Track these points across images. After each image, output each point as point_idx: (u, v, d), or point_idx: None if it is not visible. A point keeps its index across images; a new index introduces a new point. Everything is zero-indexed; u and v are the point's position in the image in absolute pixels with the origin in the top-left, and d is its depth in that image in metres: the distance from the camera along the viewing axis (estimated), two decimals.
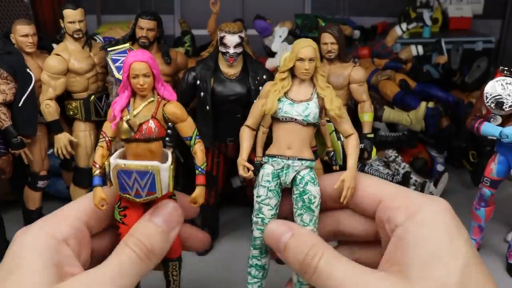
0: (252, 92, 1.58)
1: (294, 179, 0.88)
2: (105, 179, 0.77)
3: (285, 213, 0.90)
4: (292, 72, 0.90)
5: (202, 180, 0.82)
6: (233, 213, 2.03)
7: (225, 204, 2.00)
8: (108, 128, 0.78)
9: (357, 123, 1.75)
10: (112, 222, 0.79)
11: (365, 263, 0.68)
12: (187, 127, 0.82)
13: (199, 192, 0.80)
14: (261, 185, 0.89)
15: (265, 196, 0.88)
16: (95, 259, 0.77)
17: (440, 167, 2.21)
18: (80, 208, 0.75)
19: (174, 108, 0.79)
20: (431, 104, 2.16)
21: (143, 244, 0.69)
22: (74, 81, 1.71)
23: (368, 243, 0.82)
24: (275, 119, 0.90)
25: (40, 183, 1.76)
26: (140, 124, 0.77)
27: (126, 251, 0.68)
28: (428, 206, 0.67)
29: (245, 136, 0.94)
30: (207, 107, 1.58)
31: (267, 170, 0.89)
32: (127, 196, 0.76)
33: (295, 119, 0.88)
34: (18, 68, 1.63)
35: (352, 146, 0.89)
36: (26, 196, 1.78)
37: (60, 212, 0.73)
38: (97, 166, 0.77)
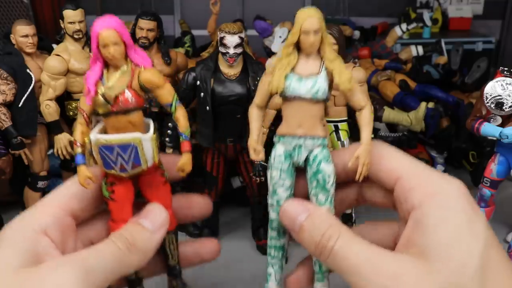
0: (252, 93, 1.58)
1: (307, 158, 0.85)
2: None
3: (300, 192, 0.88)
4: (298, 45, 0.84)
5: (188, 146, 0.78)
6: (233, 213, 2.03)
7: (225, 204, 2.00)
8: (84, 103, 0.75)
9: (357, 123, 1.75)
10: (101, 205, 0.77)
11: (381, 246, 0.67)
12: (166, 93, 0.77)
13: (186, 159, 0.77)
14: (274, 166, 0.85)
15: (278, 178, 0.85)
16: None
17: (440, 168, 2.21)
18: (63, 196, 0.73)
19: (150, 75, 0.75)
20: (431, 105, 2.16)
21: (124, 237, 0.68)
22: (74, 82, 1.71)
23: (383, 224, 0.80)
24: (283, 97, 0.86)
25: (40, 184, 1.76)
26: (116, 96, 0.74)
27: (105, 241, 0.67)
28: (446, 188, 0.66)
29: (254, 116, 0.87)
30: (207, 107, 1.58)
31: (279, 151, 0.85)
32: (113, 171, 0.74)
33: (304, 97, 0.84)
34: (18, 69, 1.63)
35: (365, 118, 0.83)
36: (26, 197, 1.78)
37: (42, 202, 0.72)
38: (78, 144, 0.74)
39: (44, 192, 1.81)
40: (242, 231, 1.89)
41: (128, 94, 0.74)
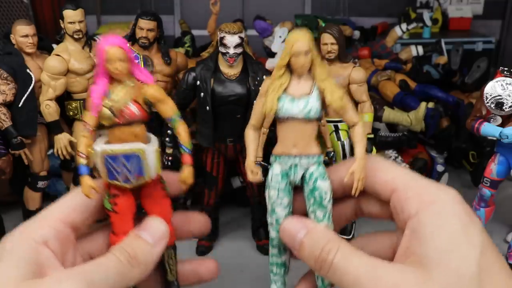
0: (252, 93, 1.58)
1: (303, 176, 0.88)
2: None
3: (299, 210, 0.90)
4: (289, 67, 0.89)
5: (189, 160, 0.81)
6: (233, 213, 2.03)
7: (225, 204, 2.00)
8: (89, 117, 0.78)
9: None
10: (100, 218, 0.79)
11: (380, 257, 0.68)
12: (168, 108, 0.82)
13: (188, 172, 0.81)
14: (271, 186, 0.88)
15: (276, 197, 0.88)
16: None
17: (440, 168, 2.21)
18: (62, 208, 0.74)
19: (154, 91, 0.80)
20: (431, 105, 2.16)
21: (125, 251, 0.69)
22: (74, 82, 1.71)
23: (381, 235, 0.81)
24: (277, 118, 0.89)
25: (40, 184, 1.76)
26: (122, 109, 0.77)
27: (106, 255, 0.68)
28: (441, 197, 0.67)
29: (250, 138, 0.92)
30: (207, 107, 1.58)
31: (275, 171, 0.88)
32: (116, 182, 0.77)
33: (297, 117, 0.87)
34: (18, 69, 1.63)
35: (359, 134, 0.86)
36: (26, 197, 1.78)
37: (42, 214, 0.74)
38: (83, 155, 0.77)
39: (44, 192, 1.81)
40: (242, 231, 1.89)
41: (133, 107, 0.78)
